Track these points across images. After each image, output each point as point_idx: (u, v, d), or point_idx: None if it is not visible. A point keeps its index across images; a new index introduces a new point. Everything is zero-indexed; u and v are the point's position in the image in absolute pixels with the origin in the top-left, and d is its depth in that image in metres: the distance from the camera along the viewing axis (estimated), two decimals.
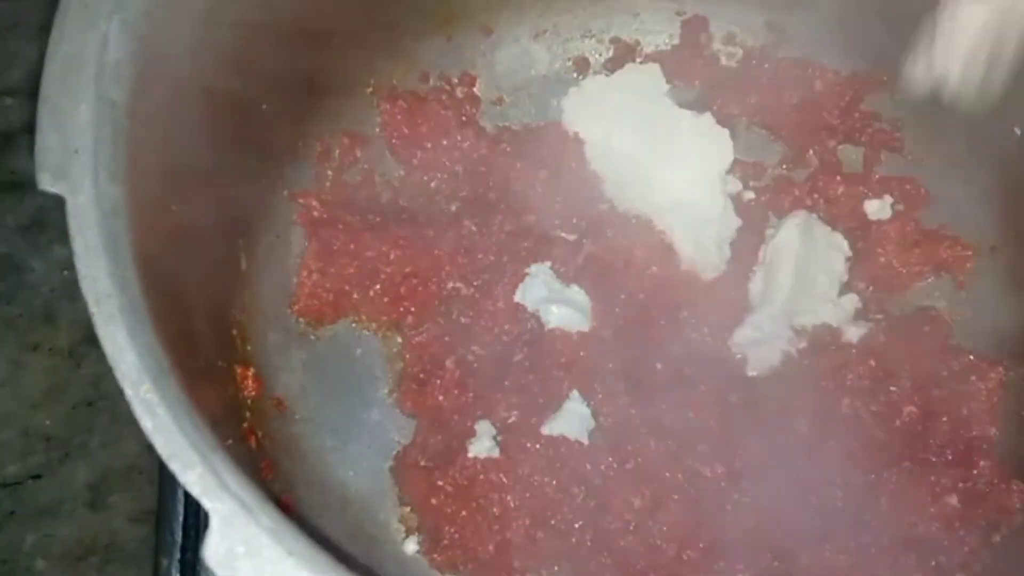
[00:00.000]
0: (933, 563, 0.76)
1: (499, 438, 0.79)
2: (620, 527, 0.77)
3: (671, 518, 0.76)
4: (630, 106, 0.89)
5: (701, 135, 0.88)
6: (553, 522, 0.77)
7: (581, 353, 0.82)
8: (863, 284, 0.88)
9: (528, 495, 0.77)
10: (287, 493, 0.75)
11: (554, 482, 0.78)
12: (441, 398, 0.81)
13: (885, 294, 0.88)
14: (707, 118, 0.89)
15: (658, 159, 0.88)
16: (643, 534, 0.77)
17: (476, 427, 0.80)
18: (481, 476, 0.77)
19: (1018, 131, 0.82)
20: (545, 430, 0.79)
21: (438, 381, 0.81)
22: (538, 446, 0.78)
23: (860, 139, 0.93)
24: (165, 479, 0.86)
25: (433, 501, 0.78)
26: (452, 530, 0.77)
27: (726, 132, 0.89)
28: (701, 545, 0.77)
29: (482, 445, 0.79)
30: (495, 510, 0.77)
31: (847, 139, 0.93)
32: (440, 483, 0.78)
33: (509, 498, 0.77)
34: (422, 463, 0.80)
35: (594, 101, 0.90)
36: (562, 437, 0.79)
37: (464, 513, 0.77)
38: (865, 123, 0.93)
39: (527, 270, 0.85)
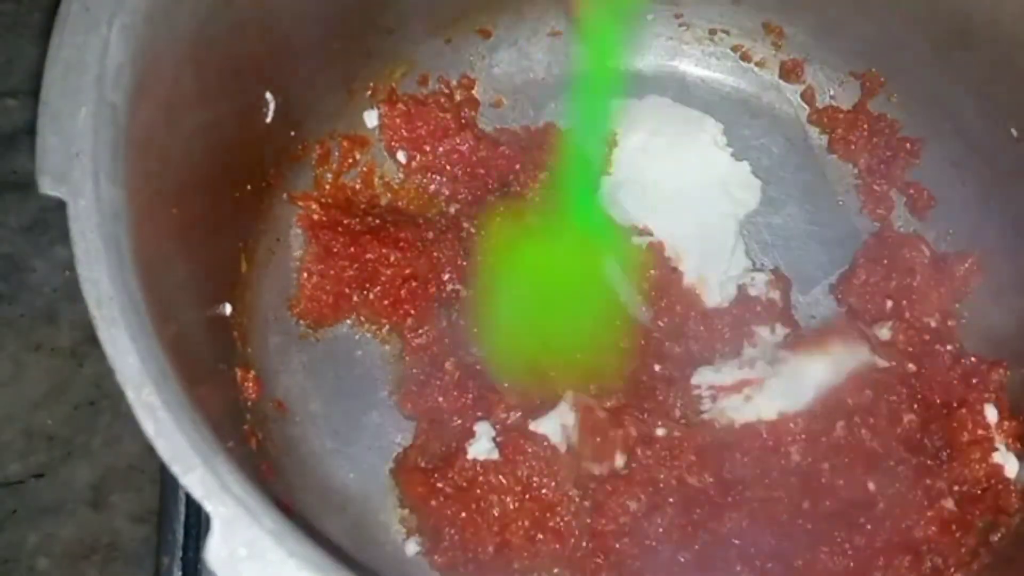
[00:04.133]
0: (929, 564, 0.76)
1: (498, 439, 0.80)
2: (615, 529, 0.77)
3: (666, 521, 0.77)
4: (677, 129, 0.89)
5: (733, 179, 0.89)
6: (552, 524, 0.77)
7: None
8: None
9: (527, 497, 0.77)
10: (288, 495, 0.75)
11: (553, 484, 0.78)
12: (441, 399, 0.82)
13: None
14: (744, 167, 0.89)
15: (685, 187, 0.88)
16: (639, 536, 0.77)
17: (475, 428, 0.80)
18: (480, 478, 0.78)
19: (1014, 132, 0.83)
20: (532, 426, 0.79)
21: (437, 383, 0.82)
22: (536, 448, 0.78)
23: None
24: (167, 479, 0.87)
25: (433, 503, 0.78)
26: (452, 532, 0.77)
27: (758, 184, 0.89)
28: (697, 547, 0.77)
29: (481, 446, 0.79)
30: (495, 511, 0.77)
31: None
32: (440, 485, 0.78)
33: (508, 500, 0.77)
34: (422, 464, 0.80)
35: (648, 114, 0.90)
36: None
37: (464, 515, 0.77)
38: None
39: None
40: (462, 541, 0.77)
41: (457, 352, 0.83)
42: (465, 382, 0.82)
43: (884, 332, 0.85)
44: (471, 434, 0.80)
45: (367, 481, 0.82)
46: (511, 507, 0.77)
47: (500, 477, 0.77)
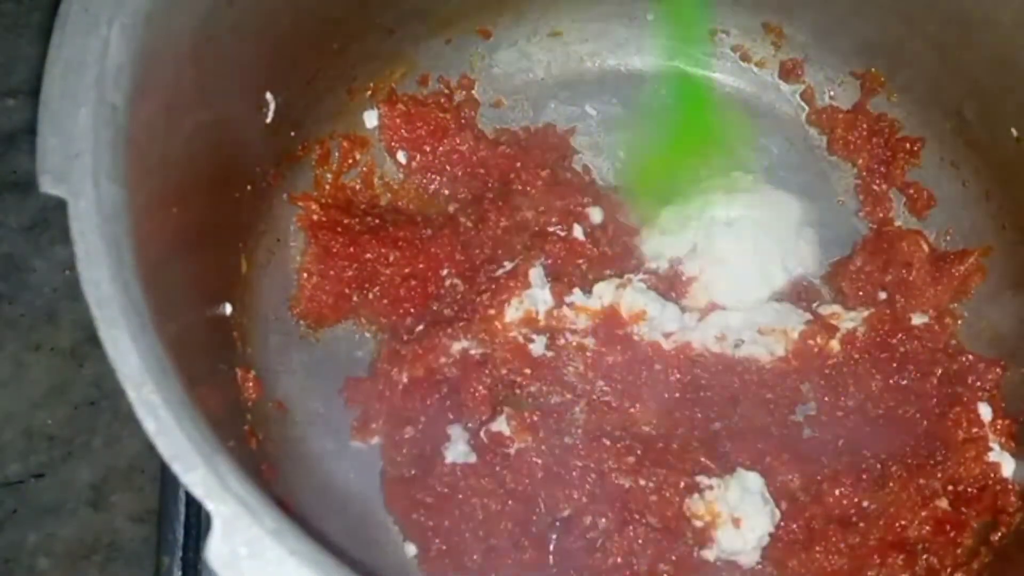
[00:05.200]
0: (923, 563, 0.76)
1: (472, 442, 0.79)
2: (584, 546, 0.76)
3: (640, 534, 0.76)
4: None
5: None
6: (534, 529, 0.77)
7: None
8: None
9: (509, 501, 0.77)
10: (288, 494, 0.75)
11: (528, 483, 0.77)
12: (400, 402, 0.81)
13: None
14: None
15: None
16: (611, 552, 0.76)
17: (449, 432, 0.79)
18: (462, 482, 0.77)
19: (1014, 132, 0.83)
20: (495, 427, 0.78)
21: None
22: (511, 451, 0.78)
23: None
24: (167, 479, 0.87)
25: (414, 516, 0.77)
26: (438, 541, 0.77)
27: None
28: (674, 558, 0.76)
29: (458, 450, 0.79)
30: (479, 515, 0.76)
31: None
32: (419, 496, 0.77)
33: (489, 502, 0.76)
34: (403, 475, 0.79)
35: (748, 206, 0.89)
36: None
37: (447, 523, 0.76)
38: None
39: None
40: (449, 550, 0.76)
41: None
42: (435, 382, 0.81)
43: (848, 323, 0.85)
44: (446, 438, 0.79)
45: (367, 481, 0.82)
46: (493, 509, 0.76)
47: (481, 480, 0.77)
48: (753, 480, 0.77)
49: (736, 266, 0.86)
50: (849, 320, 0.85)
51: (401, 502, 0.78)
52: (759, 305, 0.85)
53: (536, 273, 0.83)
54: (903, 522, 0.77)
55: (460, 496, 0.77)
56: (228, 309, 0.79)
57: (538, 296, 0.82)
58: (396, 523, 0.80)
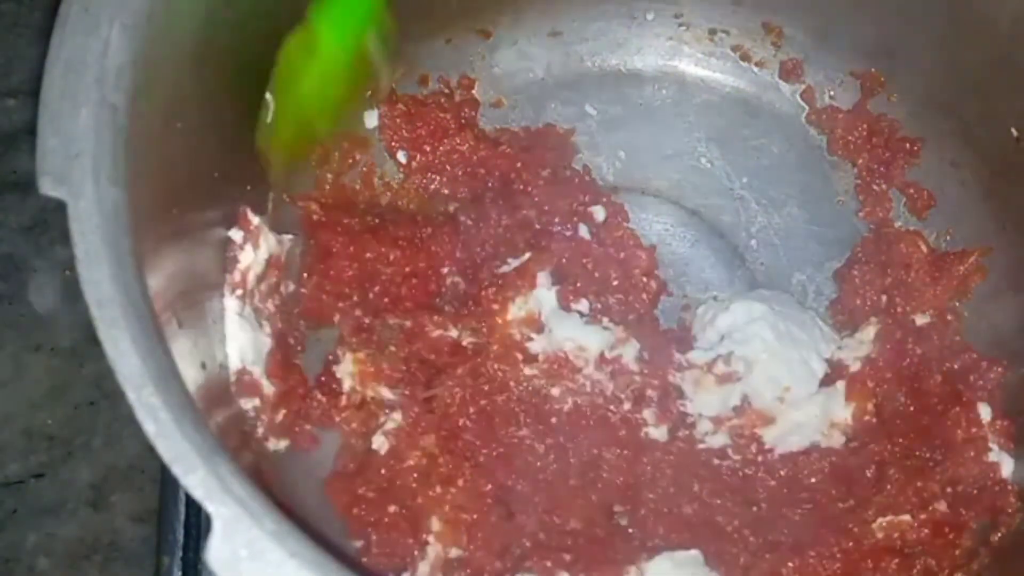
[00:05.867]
0: (920, 566, 0.76)
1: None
2: (535, 545, 0.76)
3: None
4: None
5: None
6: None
7: None
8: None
9: (439, 488, 0.76)
10: (288, 495, 0.75)
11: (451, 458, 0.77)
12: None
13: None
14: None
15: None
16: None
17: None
18: (398, 481, 0.76)
19: (1014, 132, 0.83)
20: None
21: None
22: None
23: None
24: (167, 479, 0.87)
25: (355, 511, 0.76)
26: (376, 537, 0.76)
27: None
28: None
29: (377, 439, 0.79)
30: (419, 500, 0.76)
31: None
32: (361, 491, 0.77)
33: (414, 485, 0.76)
34: (347, 468, 0.79)
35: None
36: None
37: (387, 519, 0.76)
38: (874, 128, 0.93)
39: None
40: (388, 541, 0.76)
41: None
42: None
43: (862, 349, 0.84)
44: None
45: None
46: (430, 494, 0.76)
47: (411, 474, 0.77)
48: None
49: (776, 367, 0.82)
50: (861, 346, 0.84)
51: (342, 497, 0.77)
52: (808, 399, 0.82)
53: (544, 275, 0.83)
54: (903, 525, 0.77)
55: (400, 487, 0.76)
56: None
57: (544, 298, 0.82)
58: (338, 519, 0.78)
